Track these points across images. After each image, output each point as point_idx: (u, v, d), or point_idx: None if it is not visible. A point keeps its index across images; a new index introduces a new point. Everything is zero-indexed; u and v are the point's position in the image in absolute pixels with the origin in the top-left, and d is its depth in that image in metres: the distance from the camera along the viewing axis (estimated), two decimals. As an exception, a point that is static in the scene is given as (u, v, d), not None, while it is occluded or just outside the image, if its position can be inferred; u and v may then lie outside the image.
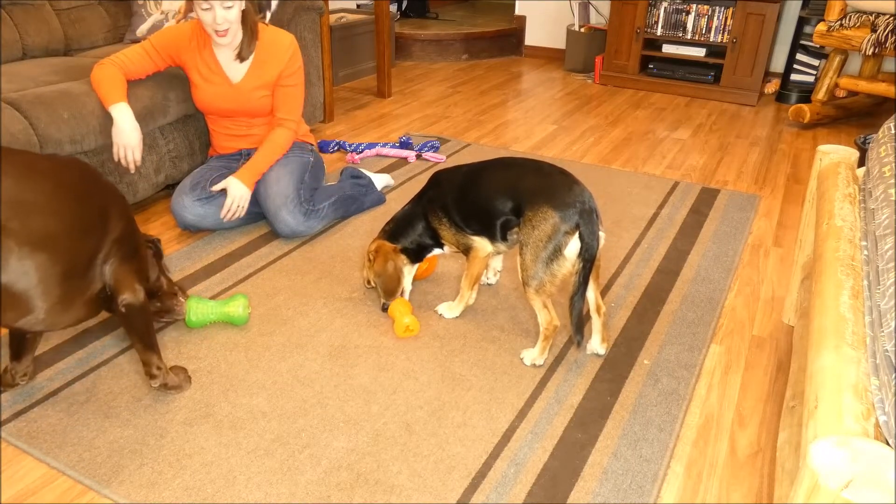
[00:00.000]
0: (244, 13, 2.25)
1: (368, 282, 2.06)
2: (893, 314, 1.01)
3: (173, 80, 2.52)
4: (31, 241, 1.30)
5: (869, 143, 1.76)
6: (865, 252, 1.31)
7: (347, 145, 3.26)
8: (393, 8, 5.14)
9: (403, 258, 1.99)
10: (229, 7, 2.15)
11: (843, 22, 3.47)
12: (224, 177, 2.42)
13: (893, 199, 1.27)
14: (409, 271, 2.02)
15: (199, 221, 2.38)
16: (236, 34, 2.26)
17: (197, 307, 1.90)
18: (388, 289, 1.98)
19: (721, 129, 3.80)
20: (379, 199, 2.72)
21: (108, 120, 2.29)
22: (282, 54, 2.36)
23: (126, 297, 1.51)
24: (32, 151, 1.53)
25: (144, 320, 1.57)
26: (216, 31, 2.20)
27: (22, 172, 1.34)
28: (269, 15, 2.98)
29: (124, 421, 1.59)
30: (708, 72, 4.34)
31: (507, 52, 5.39)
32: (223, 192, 2.35)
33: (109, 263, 1.50)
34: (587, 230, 1.66)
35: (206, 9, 2.14)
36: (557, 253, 1.67)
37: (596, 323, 1.84)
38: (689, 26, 4.30)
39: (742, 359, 1.87)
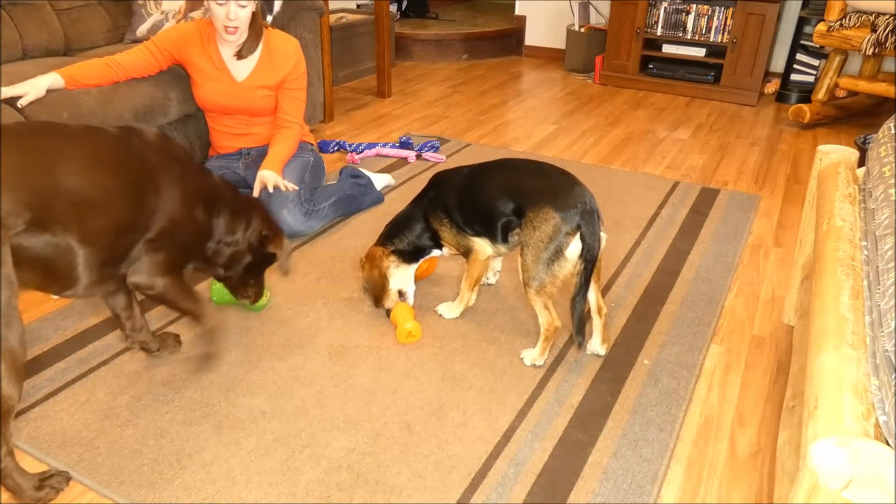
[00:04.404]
0: (254, 16, 2.32)
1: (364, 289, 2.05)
2: (893, 314, 1.01)
3: (174, 79, 2.52)
4: (85, 239, 1.38)
5: (869, 143, 1.76)
6: (865, 252, 1.31)
7: (347, 145, 3.26)
8: (393, 8, 5.14)
9: (396, 260, 1.96)
10: (244, 6, 2.22)
11: (843, 22, 3.47)
12: (224, 177, 2.42)
13: (893, 199, 1.27)
14: (408, 273, 2.00)
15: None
16: (243, 34, 2.32)
17: (220, 287, 1.94)
18: (374, 295, 1.96)
19: (721, 129, 3.80)
20: (378, 198, 2.72)
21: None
22: (287, 59, 2.43)
23: (135, 280, 1.54)
24: (112, 129, 1.51)
25: (164, 301, 1.62)
26: (226, 28, 2.25)
27: (91, 166, 1.39)
28: (270, 18, 2.98)
29: (124, 421, 1.59)
30: (708, 72, 4.34)
31: (507, 52, 5.39)
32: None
33: (136, 253, 1.52)
34: (588, 231, 1.66)
35: (222, 4, 2.20)
36: (559, 254, 1.67)
37: (596, 323, 1.83)
38: (689, 26, 4.30)
39: (742, 359, 1.87)
